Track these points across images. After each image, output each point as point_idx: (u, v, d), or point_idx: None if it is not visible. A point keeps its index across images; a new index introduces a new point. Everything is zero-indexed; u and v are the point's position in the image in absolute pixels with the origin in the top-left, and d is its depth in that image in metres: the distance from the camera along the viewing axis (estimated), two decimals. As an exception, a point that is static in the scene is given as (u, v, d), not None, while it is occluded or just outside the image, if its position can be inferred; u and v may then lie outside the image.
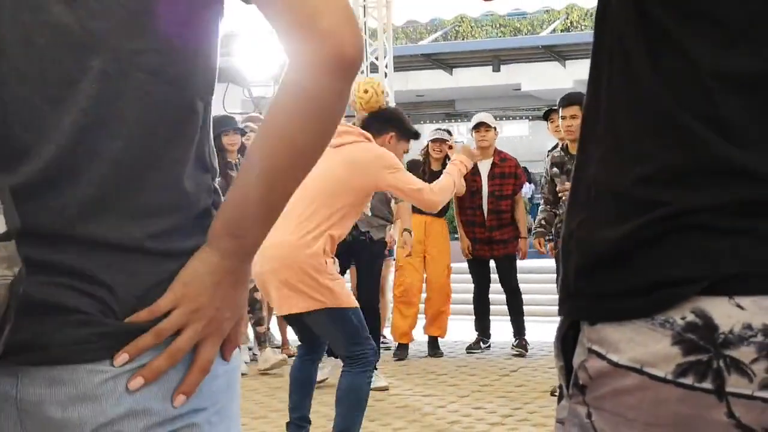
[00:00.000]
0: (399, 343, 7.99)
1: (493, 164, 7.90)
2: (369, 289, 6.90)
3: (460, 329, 8.70)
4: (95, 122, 1.09)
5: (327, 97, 1.12)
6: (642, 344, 0.98)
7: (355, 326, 4.39)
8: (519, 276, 8.14)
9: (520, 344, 7.96)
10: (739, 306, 0.94)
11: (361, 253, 6.80)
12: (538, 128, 20.57)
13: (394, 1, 10.82)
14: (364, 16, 10.79)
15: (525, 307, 8.16)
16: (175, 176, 1.14)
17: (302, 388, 4.72)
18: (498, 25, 25.66)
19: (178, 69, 1.13)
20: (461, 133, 20.53)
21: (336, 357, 6.44)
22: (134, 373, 1.10)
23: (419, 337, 8.16)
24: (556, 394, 1.15)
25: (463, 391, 6.41)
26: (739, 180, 0.96)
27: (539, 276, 11.88)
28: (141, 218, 1.11)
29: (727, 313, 0.95)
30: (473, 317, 8.32)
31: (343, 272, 6.88)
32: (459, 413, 5.76)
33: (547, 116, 7.61)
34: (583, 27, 23.90)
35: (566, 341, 1.09)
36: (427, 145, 7.98)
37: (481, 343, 8.19)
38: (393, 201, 6.94)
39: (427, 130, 8.39)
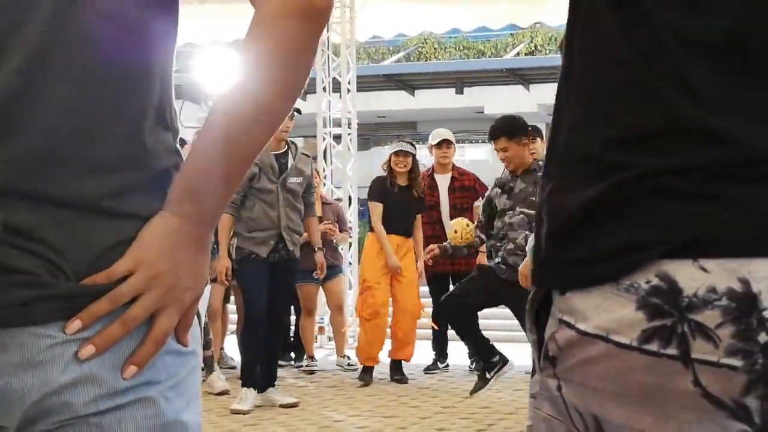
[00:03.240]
0: (364, 366, 7.84)
1: (453, 178, 8.07)
2: (280, 304, 6.69)
3: (416, 350, 8.60)
4: (43, 67, 1.03)
5: (295, 47, 1.08)
6: (608, 310, 0.97)
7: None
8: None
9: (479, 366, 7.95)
10: (703, 269, 0.93)
11: (279, 271, 6.49)
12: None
13: (357, 17, 10.81)
14: (328, 31, 10.77)
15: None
16: (133, 129, 1.09)
17: None
18: (462, 48, 25.82)
19: (135, 16, 1.08)
20: (423, 155, 20.55)
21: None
22: (85, 341, 1.03)
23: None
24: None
25: (424, 413, 6.36)
26: (707, 143, 0.95)
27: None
28: (96, 173, 1.06)
29: (691, 276, 0.93)
30: (429, 338, 8.27)
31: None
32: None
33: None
34: (547, 51, 24.10)
35: (539, 314, 1.08)
36: (390, 159, 7.88)
37: (438, 363, 8.15)
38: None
39: (387, 153, 8.34)
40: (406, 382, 7.70)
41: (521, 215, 6.05)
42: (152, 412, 1.08)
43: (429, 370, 8.10)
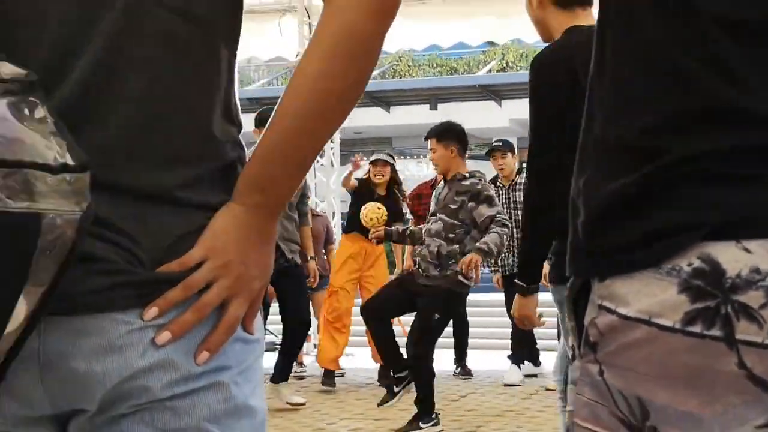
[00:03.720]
0: (326, 370, 7.79)
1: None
2: (300, 306, 6.75)
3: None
4: (117, 61, 1.03)
5: (366, 36, 1.08)
6: (650, 295, 0.95)
7: None
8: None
9: (464, 370, 7.94)
10: (746, 249, 0.91)
11: (285, 279, 6.47)
12: (474, 166, 20.70)
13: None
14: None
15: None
16: (203, 122, 1.08)
17: None
18: (435, 65, 25.90)
19: (203, 10, 1.08)
20: (398, 170, 20.59)
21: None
22: (161, 328, 1.03)
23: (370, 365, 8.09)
24: None
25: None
26: (744, 125, 0.93)
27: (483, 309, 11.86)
28: (169, 165, 1.06)
29: (734, 257, 0.91)
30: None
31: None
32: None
33: (489, 154, 7.84)
34: (518, 67, 24.22)
35: (578, 302, 1.06)
36: (368, 170, 7.83)
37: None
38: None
39: (365, 168, 8.33)
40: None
41: (439, 222, 5.85)
42: (223, 396, 1.08)
43: None
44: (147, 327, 1.03)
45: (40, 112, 0.92)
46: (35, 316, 0.93)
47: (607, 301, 0.99)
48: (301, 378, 8.23)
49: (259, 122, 6.40)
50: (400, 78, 24.48)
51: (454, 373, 8.04)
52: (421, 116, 21.28)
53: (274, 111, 1.11)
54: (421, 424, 5.77)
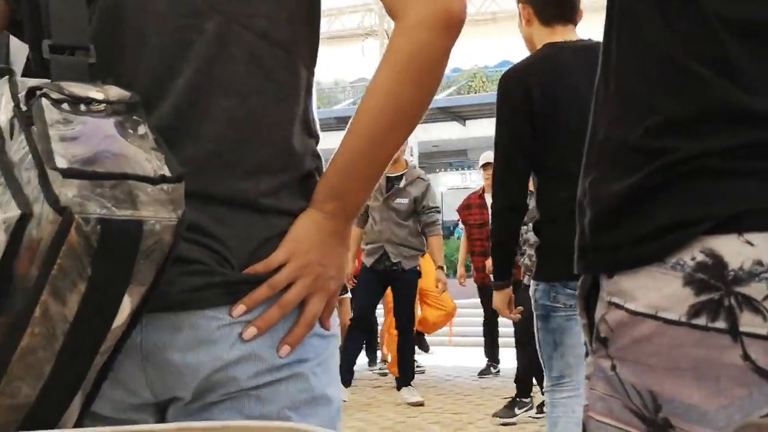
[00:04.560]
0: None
1: None
2: (406, 315, 6.76)
3: (466, 357, 8.53)
4: (209, 82, 1.08)
5: (435, 53, 1.09)
6: (656, 289, 0.93)
7: None
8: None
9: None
10: (749, 243, 0.89)
11: (395, 282, 6.67)
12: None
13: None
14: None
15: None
16: (285, 136, 1.12)
17: None
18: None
19: (285, 34, 1.12)
20: (473, 180, 20.52)
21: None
22: (248, 323, 1.07)
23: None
24: None
25: (489, 410, 6.33)
26: (747, 124, 0.91)
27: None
28: (254, 175, 1.10)
29: (737, 250, 0.89)
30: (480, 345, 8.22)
31: (376, 301, 6.83)
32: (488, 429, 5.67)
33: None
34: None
35: (589, 299, 1.05)
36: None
37: (491, 368, 8.08)
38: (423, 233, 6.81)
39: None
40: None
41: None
42: (303, 386, 1.11)
43: (483, 374, 8.04)
44: (235, 323, 1.07)
45: (143, 129, 0.96)
46: (138, 312, 0.97)
47: (616, 297, 0.98)
48: (384, 374, 8.25)
49: None
50: (475, 93, 24.36)
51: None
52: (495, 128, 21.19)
53: (348, 125, 1.14)
54: (516, 410, 5.83)
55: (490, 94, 23.64)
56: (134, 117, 0.97)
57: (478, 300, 7.99)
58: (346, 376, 6.65)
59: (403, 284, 6.66)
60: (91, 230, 0.88)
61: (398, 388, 6.86)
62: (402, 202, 6.59)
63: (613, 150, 1.00)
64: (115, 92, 0.97)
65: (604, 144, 1.02)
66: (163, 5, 1.09)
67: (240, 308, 1.07)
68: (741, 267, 0.89)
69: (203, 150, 1.08)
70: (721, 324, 0.90)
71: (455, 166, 23.65)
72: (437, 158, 23.24)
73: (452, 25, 1.09)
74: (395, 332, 7.53)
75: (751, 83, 0.92)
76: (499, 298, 3.19)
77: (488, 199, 7.95)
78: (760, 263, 0.88)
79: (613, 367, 0.99)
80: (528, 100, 2.96)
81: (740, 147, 0.91)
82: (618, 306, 0.97)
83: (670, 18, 0.96)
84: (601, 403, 1.02)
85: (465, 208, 8.10)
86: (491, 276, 3.26)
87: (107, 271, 0.92)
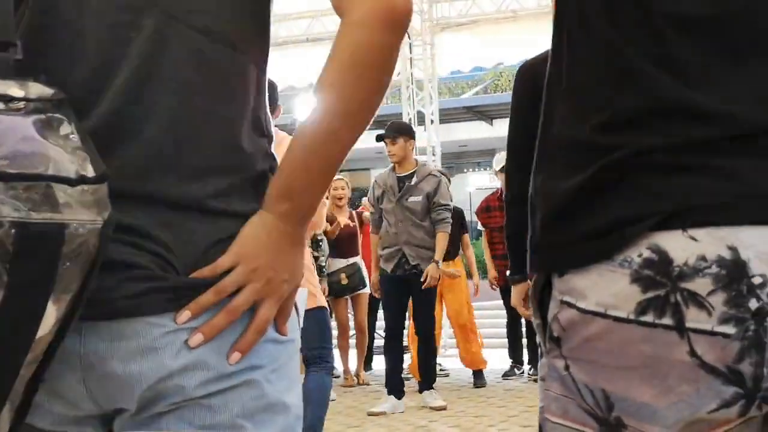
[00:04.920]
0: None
1: None
2: (426, 319, 6.65)
3: (491, 359, 8.45)
4: (148, 80, 1.04)
5: (379, 51, 1.06)
6: (605, 287, 0.93)
7: (328, 327, 4.38)
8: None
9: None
10: (693, 238, 0.89)
11: (413, 286, 6.51)
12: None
13: (438, 54, 10.84)
14: (411, 67, 10.83)
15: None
16: (232, 135, 1.08)
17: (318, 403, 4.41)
18: (535, 79, 25.63)
19: (230, 31, 1.08)
20: (502, 179, 20.46)
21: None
22: (194, 330, 1.03)
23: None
24: None
25: (512, 412, 6.27)
26: (691, 120, 0.91)
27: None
28: (200, 177, 1.06)
29: (681, 245, 0.89)
30: (495, 348, 8.19)
31: (403, 307, 6.70)
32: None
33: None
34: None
35: (542, 298, 1.04)
36: None
37: (516, 370, 8.03)
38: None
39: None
40: (485, 386, 7.58)
41: None
42: (257, 393, 1.07)
43: (507, 375, 7.96)
44: (180, 330, 1.03)
45: (66, 128, 0.93)
46: (67, 320, 0.94)
47: (567, 296, 0.97)
48: (407, 379, 8.21)
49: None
50: (502, 92, 24.31)
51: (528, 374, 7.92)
52: (523, 127, 21.13)
53: (298, 126, 1.10)
54: None
55: (517, 93, 23.65)
56: (57, 115, 0.93)
57: (497, 301, 7.96)
58: (397, 386, 6.59)
59: (421, 288, 6.48)
60: (4, 234, 0.85)
61: (420, 392, 6.79)
62: (415, 200, 6.48)
63: (562, 147, 1.01)
64: (36, 90, 0.93)
65: (555, 142, 1.02)
66: (98, 1, 1.05)
67: (185, 314, 1.03)
68: (686, 263, 0.89)
69: (144, 151, 1.04)
70: (667, 320, 0.90)
71: (483, 166, 23.57)
72: (465, 158, 23.18)
73: (395, 23, 1.06)
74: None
75: (694, 79, 0.93)
76: (515, 294, 3.14)
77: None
78: (704, 258, 0.89)
79: (567, 367, 0.99)
80: (536, 93, 2.92)
81: (683, 142, 0.91)
82: (569, 305, 0.97)
83: (616, 16, 0.97)
84: (555, 404, 1.01)
85: (485, 211, 8.03)
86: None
87: (26, 277, 0.88)
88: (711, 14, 0.93)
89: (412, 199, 6.47)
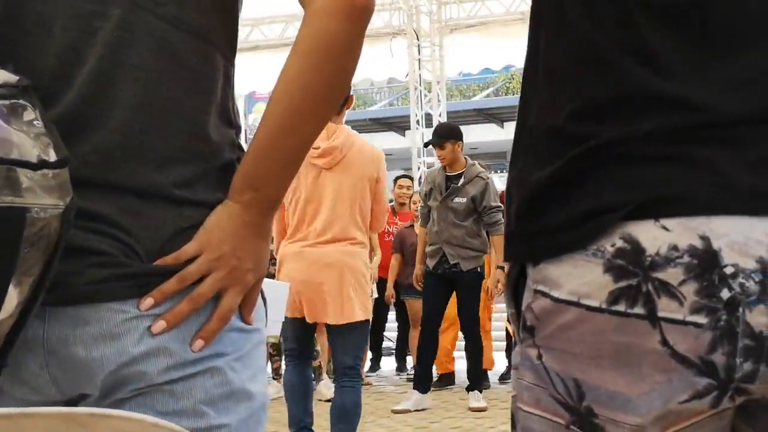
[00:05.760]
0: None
1: None
2: (470, 318, 6.66)
3: (498, 361, 8.44)
4: (115, 69, 1.06)
5: (338, 40, 1.08)
6: (578, 276, 0.93)
7: (367, 340, 4.40)
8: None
9: None
10: (664, 228, 0.89)
11: (456, 284, 6.56)
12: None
13: (446, 55, 10.85)
14: (420, 69, 10.84)
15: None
16: (198, 125, 1.10)
17: (304, 396, 4.47)
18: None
19: (197, 21, 1.10)
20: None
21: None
22: (157, 317, 1.05)
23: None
24: None
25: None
26: (664, 109, 0.92)
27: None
28: (165, 165, 1.08)
29: (653, 235, 0.90)
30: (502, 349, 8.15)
31: (443, 304, 6.73)
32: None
33: None
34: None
35: (517, 288, 1.05)
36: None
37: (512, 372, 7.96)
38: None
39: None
40: (489, 387, 7.59)
41: None
42: (220, 380, 1.09)
43: (503, 379, 7.90)
44: (143, 316, 1.04)
45: (30, 114, 0.95)
46: (29, 304, 0.96)
47: (541, 285, 0.98)
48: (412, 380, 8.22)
49: None
50: (513, 95, 24.27)
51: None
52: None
53: (262, 116, 1.12)
54: None
55: (528, 96, 23.60)
56: (21, 102, 0.95)
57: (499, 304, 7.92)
58: (423, 381, 6.66)
59: (464, 286, 6.53)
60: None
61: (468, 390, 6.81)
62: (460, 201, 6.49)
63: (539, 138, 1.01)
64: (1, 76, 0.95)
65: (532, 131, 1.03)
66: None
67: (148, 301, 1.05)
68: (657, 252, 0.90)
69: (110, 138, 1.06)
70: (639, 310, 0.91)
71: (494, 169, 23.54)
72: (475, 161, 23.17)
73: (356, 12, 1.08)
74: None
75: (667, 69, 0.93)
76: (491, 279, 3.12)
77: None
78: (675, 248, 0.89)
79: (540, 356, 1.00)
80: None
81: (656, 132, 0.92)
82: (543, 294, 0.98)
83: (592, 5, 0.98)
84: (528, 392, 1.02)
85: None
86: None
87: None
88: (685, 3, 0.94)
89: (457, 199, 6.49)
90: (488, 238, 6.60)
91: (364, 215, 4.31)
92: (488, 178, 6.61)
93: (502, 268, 6.47)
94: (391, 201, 8.84)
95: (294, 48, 1.09)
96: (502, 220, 6.45)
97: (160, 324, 1.05)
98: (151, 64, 1.07)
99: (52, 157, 0.93)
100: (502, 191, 7.76)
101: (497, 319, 9.06)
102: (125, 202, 1.06)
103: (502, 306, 8.09)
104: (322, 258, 4.18)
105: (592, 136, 0.94)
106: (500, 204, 6.57)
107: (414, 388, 6.68)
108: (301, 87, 1.08)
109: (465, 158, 6.67)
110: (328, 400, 6.95)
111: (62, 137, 1.01)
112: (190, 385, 1.07)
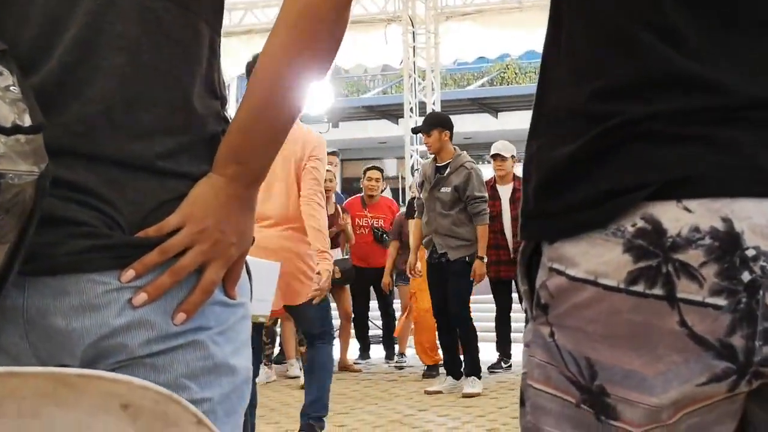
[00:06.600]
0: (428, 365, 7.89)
1: (515, 189, 7.76)
2: (457, 306, 6.67)
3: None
4: (97, 37, 1.05)
5: (323, 16, 1.08)
6: (596, 255, 0.93)
7: (329, 311, 4.67)
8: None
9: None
10: (687, 209, 0.89)
11: (443, 274, 6.62)
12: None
13: (441, 44, 10.82)
14: (414, 56, 10.81)
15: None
16: (183, 95, 1.09)
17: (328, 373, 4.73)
18: (541, 72, 25.55)
19: None
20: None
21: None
22: (138, 289, 1.04)
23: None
24: None
25: (502, 403, 6.28)
26: (688, 89, 0.91)
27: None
28: (148, 136, 1.07)
29: (675, 216, 0.89)
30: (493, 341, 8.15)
31: (443, 291, 6.74)
32: (499, 422, 5.62)
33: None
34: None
35: (530, 266, 1.04)
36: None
37: (503, 363, 8.00)
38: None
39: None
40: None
41: None
42: (202, 354, 1.08)
43: (493, 368, 7.91)
44: (124, 288, 1.04)
45: (7, 80, 0.94)
46: (4, 271, 0.95)
47: (557, 263, 0.97)
48: (401, 368, 8.25)
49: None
50: (508, 85, 24.26)
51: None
52: (528, 122, 21.05)
53: (246, 87, 1.11)
54: None
55: (523, 86, 23.57)
56: None
57: (489, 295, 7.93)
58: (452, 367, 6.88)
59: (453, 276, 6.57)
60: None
61: (466, 375, 6.86)
62: (445, 191, 6.57)
63: (559, 116, 1.00)
64: None
65: (552, 109, 1.02)
66: None
67: (129, 273, 1.04)
68: (679, 233, 0.89)
69: (92, 108, 1.05)
70: (658, 291, 0.90)
71: (488, 160, 23.56)
72: (469, 151, 22.98)
73: None
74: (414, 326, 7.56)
75: (692, 49, 0.92)
76: None
77: (500, 190, 7.93)
78: (697, 230, 0.88)
79: (552, 334, 0.99)
80: None
81: (679, 112, 0.91)
82: (559, 272, 0.97)
83: None
84: (538, 370, 1.02)
85: None
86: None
87: None
88: None
89: (443, 189, 6.58)
90: None
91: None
92: (473, 167, 6.65)
93: (482, 258, 6.55)
94: (360, 193, 8.88)
95: (278, 20, 1.08)
96: (486, 210, 6.51)
97: (142, 296, 1.04)
98: (134, 33, 1.06)
99: (27, 122, 0.92)
100: (491, 178, 7.82)
101: (485, 310, 9.09)
102: (108, 172, 1.05)
103: (489, 297, 8.12)
104: (262, 242, 4.19)
105: (614, 115, 0.93)
106: (484, 194, 6.67)
107: (447, 375, 6.93)
108: (286, 60, 1.07)
109: (454, 148, 6.72)
110: (295, 377, 7.13)
111: (43, 106, 1.00)
112: (171, 359, 1.06)
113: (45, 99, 1.00)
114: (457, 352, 6.91)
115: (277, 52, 1.08)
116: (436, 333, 7.22)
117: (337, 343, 7.88)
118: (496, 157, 7.83)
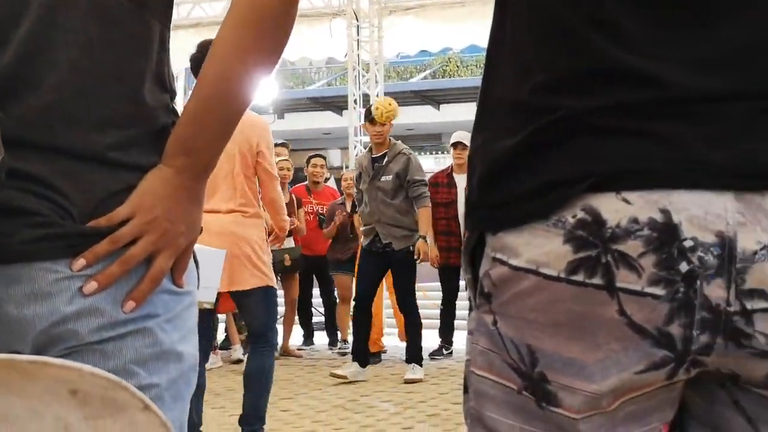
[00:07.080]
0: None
1: None
2: (406, 293, 6.71)
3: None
4: (50, 31, 1.06)
5: (271, 12, 1.10)
6: (538, 246, 0.93)
7: (275, 305, 4.42)
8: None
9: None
10: (625, 200, 0.89)
11: (391, 263, 6.64)
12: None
13: (385, 37, 10.84)
14: (358, 49, 10.82)
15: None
16: (134, 88, 1.10)
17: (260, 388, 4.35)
18: (482, 65, 25.68)
19: None
20: (447, 164, 20.54)
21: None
22: (89, 278, 1.05)
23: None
24: None
25: (443, 389, 6.34)
26: (627, 83, 0.91)
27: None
28: (100, 128, 1.08)
29: (614, 208, 0.90)
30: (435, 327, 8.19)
31: (376, 281, 6.82)
32: (440, 408, 5.69)
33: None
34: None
35: (474, 255, 1.05)
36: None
37: (443, 350, 8.03)
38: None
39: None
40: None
41: None
42: (150, 341, 1.10)
43: (434, 355, 7.92)
44: (75, 276, 1.05)
45: None
46: None
47: (500, 253, 0.98)
48: (344, 354, 8.27)
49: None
50: (450, 78, 24.37)
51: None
52: (469, 114, 21.17)
53: (196, 80, 1.12)
54: None
55: (464, 79, 23.69)
56: None
57: (435, 283, 7.97)
58: (360, 354, 6.76)
59: (397, 264, 6.61)
60: None
61: (407, 362, 6.88)
62: (387, 179, 6.60)
63: (503, 109, 1.01)
64: None
65: (497, 102, 1.02)
66: None
67: (80, 262, 1.05)
68: (618, 224, 0.89)
69: (45, 100, 1.05)
70: (598, 280, 0.90)
71: (429, 150, 23.65)
72: (411, 142, 23.13)
73: None
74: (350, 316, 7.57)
75: (633, 43, 0.92)
76: None
77: (457, 179, 7.98)
78: (636, 221, 0.89)
79: (495, 322, 1.00)
80: None
81: (619, 106, 0.91)
82: (501, 262, 0.98)
83: None
84: (481, 357, 1.02)
85: (432, 186, 8.05)
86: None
87: None
88: None
89: (384, 178, 6.61)
90: None
91: (251, 185, 4.33)
92: (410, 153, 6.73)
93: (424, 238, 6.60)
94: (305, 181, 8.91)
95: (228, 14, 1.10)
96: (426, 193, 6.55)
97: (92, 285, 1.05)
98: (87, 27, 1.07)
99: None
100: (448, 167, 7.88)
101: (430, 298, 9.15)
102: (61, 163, 1.06)
103: (436, 285, 8.17)
104: (207, 226, 4.15)
105: (555, 109, 0.93)
106: (423, 178, 6.71)
107: (353, 360, 6.81)
108: (235, 54, 1.09)
109: (389, 139, 6.77)
110: (239, 361, 7.12)
111: None
112: (120, 345, 1.08)
113: (1, 92, 1.00)
114: (367, 341, 6.87)
115: (226, 45, 1.09)
116: (381, 320, 7.24)
117: (280, 329, 7.92)
118: (457, 145, 7.86)
